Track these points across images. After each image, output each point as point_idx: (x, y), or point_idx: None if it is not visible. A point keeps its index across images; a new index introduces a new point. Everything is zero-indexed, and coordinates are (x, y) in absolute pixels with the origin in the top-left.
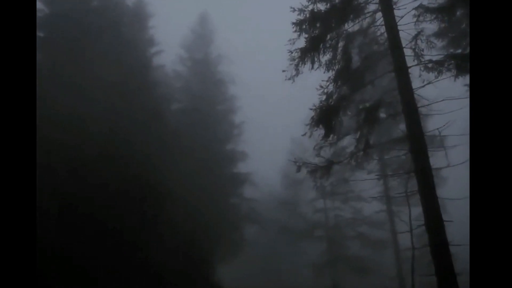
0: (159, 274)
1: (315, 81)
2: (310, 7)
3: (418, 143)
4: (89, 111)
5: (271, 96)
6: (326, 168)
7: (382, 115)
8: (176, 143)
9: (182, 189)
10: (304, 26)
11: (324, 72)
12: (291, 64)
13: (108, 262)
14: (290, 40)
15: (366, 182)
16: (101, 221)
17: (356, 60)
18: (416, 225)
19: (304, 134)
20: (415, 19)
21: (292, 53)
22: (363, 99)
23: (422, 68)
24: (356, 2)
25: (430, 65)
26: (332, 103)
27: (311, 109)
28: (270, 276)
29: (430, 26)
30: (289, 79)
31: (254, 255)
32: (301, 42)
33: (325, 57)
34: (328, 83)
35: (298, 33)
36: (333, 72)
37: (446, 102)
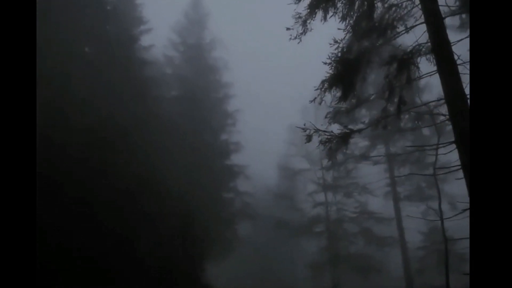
0: (144, 274)
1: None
2: None
3: (459, 103)
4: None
5: (267, 84)
6: (343, 138)
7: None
8: (164, 131)
9: (170, 181)
10: None
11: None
12: (296, 22)
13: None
14: None
15: (372, 175)
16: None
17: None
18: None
19: (313, 100)
20: None
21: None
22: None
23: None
24: None
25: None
26: (352, 57)
27: (325, 63)
28: (266, 276)
29: None
30: (295, 38)
31: (249, 253)
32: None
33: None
34: (345, 32)
35: None
36: (351, 20)
37: None
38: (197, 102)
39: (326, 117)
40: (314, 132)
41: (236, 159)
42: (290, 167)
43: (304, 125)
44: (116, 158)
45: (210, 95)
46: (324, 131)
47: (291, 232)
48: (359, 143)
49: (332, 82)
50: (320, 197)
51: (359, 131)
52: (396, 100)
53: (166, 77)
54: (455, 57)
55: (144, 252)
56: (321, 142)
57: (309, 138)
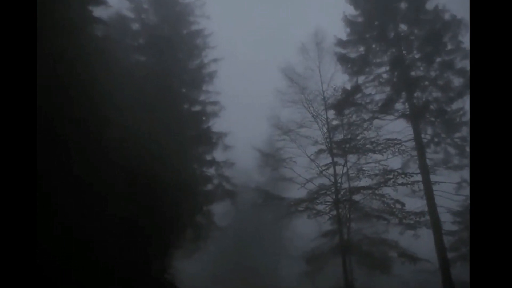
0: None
1: None
2: None
3: None
4: None
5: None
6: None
7: None
8: (125, 84)
9: (129, 150)
10: None
11: None
12: None
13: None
14: None
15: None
16: None
17: None
18: None
19: None
20: None
21: None
22: None
23: None
24: None
25: None
26: None
27: None
28: (246, 273)
29: None
30: None
31: (228, 242)
32: None
33: None
34: None
35: None
36: None
37: None
38: (166, 51)
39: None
40: None
41: (214, 124)
42: (283, 122)
43: None
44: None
45: (183, 42)
46: None
47: (283, 212)
48: (374, 94)
49: None
50: (323, 159)
51: None
52: None
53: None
54: None
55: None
56: None
57: None
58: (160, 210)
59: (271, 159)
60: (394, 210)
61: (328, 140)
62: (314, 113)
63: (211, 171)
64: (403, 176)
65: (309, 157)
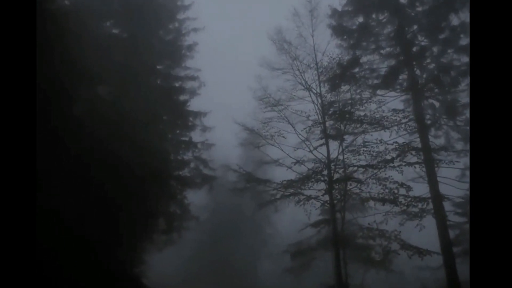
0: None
1: None
2: None
3: None
4: None
5: None
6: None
7: None
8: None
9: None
10: None
11: None
12: None
13: None
14: None
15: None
16: None
17: None
18: None
19: None
20: None
21: None
22: None
23: None
24: None
25: None
26: None
27: None
28: (222, 270)
29: None
30: None
31: (203, 235)
32: None
33: None
34: None
35: None
36: None
37: None
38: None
39: None
40: None
41: (192, 101)
42: (270, 94)
43: None
44: None
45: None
46: None
47: (267, 198)
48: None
49: None
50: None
51: None
52: None
53: None
54: None
55: None
56: None
57: None
58: (127, 197)
59: (255, 135)
60: (397, 195)
61: (321, 114)
62: (306, 85)
63: (186, 153)
64: (413, 153)
65: (299, 134)
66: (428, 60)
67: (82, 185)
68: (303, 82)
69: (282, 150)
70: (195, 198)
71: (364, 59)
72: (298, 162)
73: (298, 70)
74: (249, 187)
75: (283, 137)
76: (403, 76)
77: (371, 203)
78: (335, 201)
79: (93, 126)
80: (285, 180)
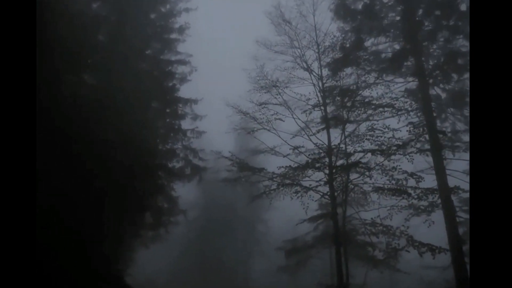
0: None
1: None
2: None
3: None
4: None
5: None
6: None
7: None
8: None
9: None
10: None
11: None
12: None
13: None
14: None
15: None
16: None
17: None
18: None
19: None
20: None
21: None
22: None
23: None
24: None
25: None
26: None
27: None
28: (211, 270)
29: None
30: None
31: (191, 232)
32: None
33: None
34: None
35: None
36: None
37: None
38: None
39: None
40: None
41: (183, 88)
42: (266, 76)
43: None
44: None
45: None
46: None
47: (261, 189)
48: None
49: None
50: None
51: None
52: None
53: None
54: None
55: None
56: None
57: None
58: (113, 190)
59: (250, 119)
60: (404, 188)
61: (322, 97)
62: (306, 66)
63: (175, 142)
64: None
65: (297, 118)
66: (435, 46)
67: (64, 175)
68: (302, 63)
69: (279, 136)
70: (184, 191)
71: (368, 42)
72: (296, 149)
73: (299, 49)
74: (242, 177)
75: (281, 120)
76: (407, 64)
77: (374, 196)
78: (336, 193)
79: (76, 111)
80: (282, 166)
